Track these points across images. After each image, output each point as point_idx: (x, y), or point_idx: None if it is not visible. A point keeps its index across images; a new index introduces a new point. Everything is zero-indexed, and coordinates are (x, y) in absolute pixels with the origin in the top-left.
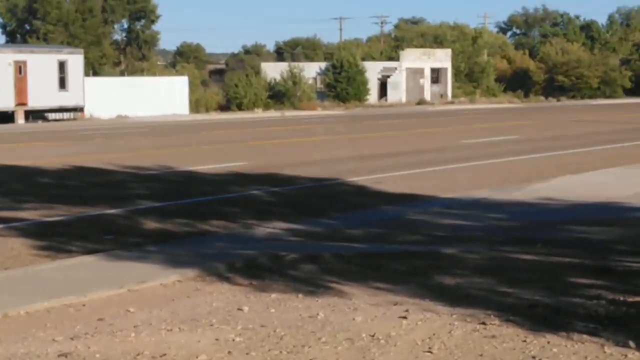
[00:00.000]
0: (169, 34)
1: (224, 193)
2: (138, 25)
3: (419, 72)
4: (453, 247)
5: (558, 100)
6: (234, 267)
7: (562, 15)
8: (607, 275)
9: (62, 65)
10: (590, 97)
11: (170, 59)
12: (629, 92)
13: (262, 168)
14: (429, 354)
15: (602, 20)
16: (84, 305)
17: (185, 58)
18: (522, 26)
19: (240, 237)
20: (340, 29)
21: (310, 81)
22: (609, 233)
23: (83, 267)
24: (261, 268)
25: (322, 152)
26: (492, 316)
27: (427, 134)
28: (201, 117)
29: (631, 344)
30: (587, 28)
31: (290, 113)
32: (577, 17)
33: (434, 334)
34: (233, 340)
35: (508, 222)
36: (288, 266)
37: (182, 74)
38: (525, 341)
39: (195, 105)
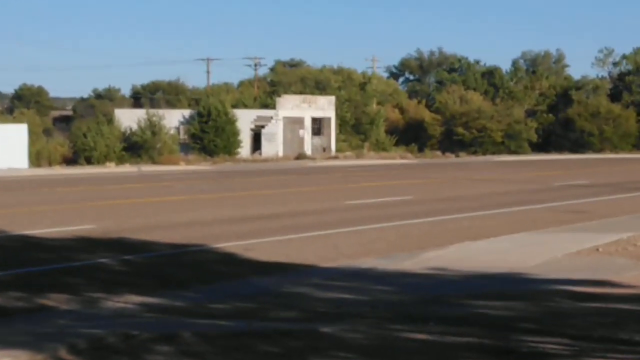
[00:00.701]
0: (5, 74)
1: (67, 261)
2: None
3: (298, 122)
4: (334, 325)
5: (457, 156)
6: (76, 349)
7: (460, 60)
8: (508, 358)
9: None
10: (494, 152)
11: (6, 103)
12: (536, 147)
13: (114, 232)
14: None
15: (505, 66)
16: None
17: (24, 102)
18: (416, 71)
19: (85, 314)
20: (208, 72)
21: (172, 131)
22: (511, 309)
23: None
24: (109, 350)
25: (184, 214)
26: None
27: (306, 193)
28: (43, 171)
29: None
30: (489, 75)
31: (148, 168)
32: (478, 62)
33: None
34: None
35: (398, 296)
36: (141, 348)
37: (20, 122)
38: None
39: (36, 158)
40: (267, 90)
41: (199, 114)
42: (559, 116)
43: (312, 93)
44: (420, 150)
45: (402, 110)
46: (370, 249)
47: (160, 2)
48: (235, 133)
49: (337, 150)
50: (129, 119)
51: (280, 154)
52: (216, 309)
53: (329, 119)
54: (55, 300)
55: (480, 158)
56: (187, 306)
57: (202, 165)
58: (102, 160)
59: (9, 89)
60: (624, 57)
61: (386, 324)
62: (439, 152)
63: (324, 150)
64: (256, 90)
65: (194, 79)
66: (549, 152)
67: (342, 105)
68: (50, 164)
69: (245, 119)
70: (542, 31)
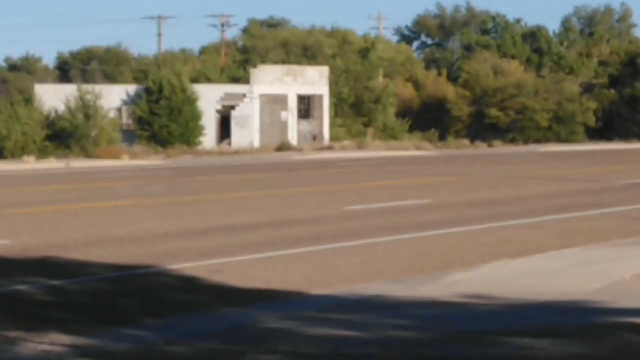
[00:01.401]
0: None
1: None
2: None
3: (280, 100)
4: None
5: (490, 146)
6: None
7: (494, 18)
8: None
9: None
10: (538, 141)
11: None
12: (595, 134)
13: (35, 249)
14: None
15: (553, 26)
16: None
17: None
18: (435, 33)
19: None
20: (159, 35)
21: (112, 114)
22: (562, 348)
23: None
24: None
25: (129, 225)
26: None
27: (292, 196)
28: None
29: None
30: (532, 37)
31: (80, 163)
32: (518, 21)
33: None
34: None
35: (414, 333)
36: None
37: None
38: None
39: None
40: (237, 58)
41: (148, 91)
42: (623, 92)
43: (299, 62)
44: (442, 137)
45: (417, 85)
46: (377, 270)
47: None
48: (196, 116)
49: (332, 138)
50: (53, 97)
51: (257, 143)
52: (173, 352)
53: (321, 96)
54: None
55: (521, 148)
56: (134, 348)
57: (151, 160)
58: (18, 153)
59: None
60: None
61: None
62: (466, 141)
63: (314, 138)
64: (223, 58)
65: (141, 45)
66: (611, 140)
67: (338, 78)
68: None
69: (209, 98)
70: None
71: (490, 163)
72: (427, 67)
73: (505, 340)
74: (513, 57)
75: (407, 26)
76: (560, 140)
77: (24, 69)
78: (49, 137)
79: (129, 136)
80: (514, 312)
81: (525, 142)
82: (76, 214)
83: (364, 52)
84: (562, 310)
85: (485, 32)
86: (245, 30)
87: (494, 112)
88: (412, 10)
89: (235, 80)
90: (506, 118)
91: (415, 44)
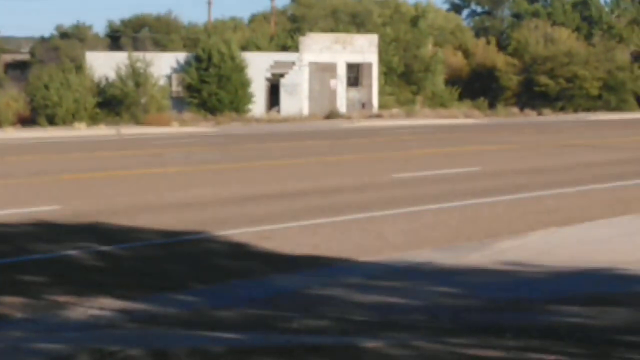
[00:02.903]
0: None
1: (24, 254)
2: None
3: (329, 68)
4: (378, 339)
5: (539, 114)
6: None
7: None
8: None
9: None
10: (588, 109)
11: None
12: None
13: (86, 215)
14: None
15: None
16: None
17: None
18: (484, 1)
19: (47, 323)
20: (209, 3)
21: (162, 81)
22: (612, 316)
23: None
24: None
25: (178, 192)
26: None
27: (340, 163)
28: None
29: None
30: (583, 5)
31: (130, 130)
32: None
33: None
34: None
35: (462, 300)
36: None
37: None
38: None
39: None
40: (287, 27)
41: (197, 59)
42: None
43: (348, 31)
44: (491, 106)
45: (466, 54)
46: (425, 238)
47: None
48: (245, 84)
49: (381, 106)
50: (104, 65)
51: (306, 111)
52: (222, 318)
53: (370, 65)
54: (8, 305)
55: (570, 117)
56: (183, 314)
57: (201, 127)
58: (69, 119)
59: None
60: None
61: (448, 337)
62: (515, 109)
63: (364, 106)
64: (273, 27)
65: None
66: None
67: (387, 46)
68: (0, 124)
69: (258, 66)
70: None
71: (539, 131)
72: (477, 35)
73: (554, 309)
74: (563, 25)
75: None
76: (610, 108)
77: (75, 37)
78: (99, 105)
79: (179, 104)
80: (563, 281)
81: (575, 110)
82: (126, 181)
83: (414, 21)
84: (610, 279)
85: (534, 0)
86: None
87: (543, 80)
88: None
89: (284, 48)
90: (556, 86)
91: (465, 12)
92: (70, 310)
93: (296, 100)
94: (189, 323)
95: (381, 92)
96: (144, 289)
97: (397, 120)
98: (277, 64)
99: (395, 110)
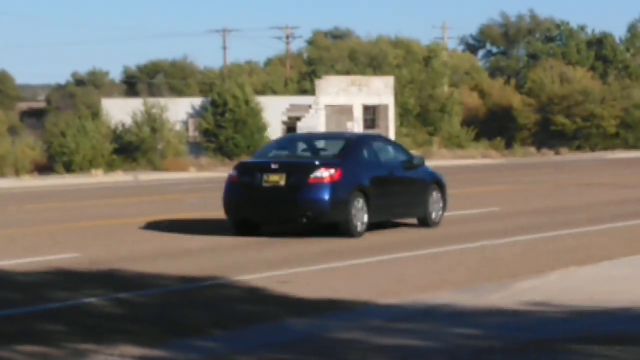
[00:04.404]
0: None
1: (43, 302)
2: None
3: (346, 111)
4: None
5: (556, 153)
6: None
7: (559, 26)
8: None
9: None
10: (605, 148)
11: None
12: None
13: (104, 262)
14: None
15: (619, 32)
16: None
17: None
18: (500, 42)
19: None
20: (224, 47)
21: (179, 127)
22: (633, 356)
23: None
24: None
25: (196, 238)
26: None
27: None
28: (7, 183)
29: None
30: (598, 45)
31: (148, 176)
32: (582, 28)
33: None
34: None
35: (484, 342)
36: None
37: None
38: None
39: None
40: (303, 70)
41: (213, 104)
42: None
43: (364, 73)
44: (508, 146)
45: (482, 94)
46: (445, 279)
47: None
48: (262, 128)
49: None
50: (120, 111)
51: None
52: None
53: (386, 106)
54: (28, 355)
55: (588, 155)
56: (203, 359)
57: (218, 172)
58: (86, 166)
59: None
60: None
61: None
62: (532, 149)
63: None
64: (289, 70)
65: (206, 58)
66: None
67: (403, 88)
68: (17, 172)
69: (274, 109)
70: None
71: (557, 170)
72: (492, 75)
73: (574, 348)
74: (578, 65)
75: (471, 35)
76: (628, 146)
77: (91, 84)
78: (116, 151)
79: (196, 148)
80: (583, 320)
81: (592, 149)
82: (144, 227)
83: (427, 60)
84: (630, 318)
85: (549, 39)
86: (310, 42)
87: (560, 119)
88: (477, 19)
89: (301, 91)
90: (572, 125)
91: (480, 52)
92: (90, 358)
93: None
94: None
95: (398, 134)
96: (163, 335)
97: None
98: (293, 107)
99: (412, 152)
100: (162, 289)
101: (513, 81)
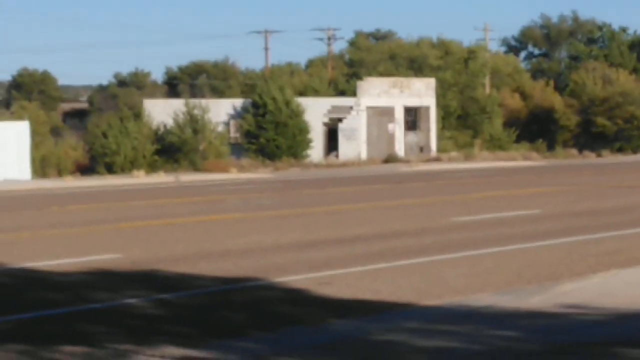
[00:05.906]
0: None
1: (84, 303)
2: None
3: (387, 113)
4: None
5: (598, 155)
6: None
7: (600, 28)
8: None
9: None
10: None
11: (1, 94)
12: None
13: (145, 263)
14: None
15: None
16: None
17: (25, 93)
18: (541, 43)
19: None
20: (266, 49)
21: (221, 128)
22: None
23: None
24: None
25: (238, 238)
26: None
27: (400, 207)
28: (50, 183)
29: None
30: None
31: (189, 177)
32: (624, 29)
33: None
34: None
35: (525, 344)
36: None
37: (20, 118)
38: None
39: (41, 166)
40: (344, 71)
41: (255, 105)
42: None
43: (405, 75)
44: (550, 147)
45: (524, 96)
46: (486, 281)
47: None
48: (303, 129)
49: (440, 150)
50: (162, 112)
51: (364, 155)
52: None
53: (428, 108)
54: (69, 354)
55: (629, 157)
56: None
57: (260, 173)
58: (127, 167)
59: (5, 75)
60: None
61: None
62: (574, 151)
63: (422, 150)
64: (330, 71)
65: (248, 59)
66: None
67: (445, 90)
68: (59, 173)
69: (316, 111)
70: None
71: (599, 173)
72: (534, 77)
73: (615, 351)
74: (621, 66)
75: (513, 37)
76: None
77: (133, 85)
78: (157, 152)
79: (237, 150)
80: (624, 323)
81: (634, 151)
82: (185, 228)
83: (466, 61)
84: None
85: (591, 41)
86: (352, 43)
87: (601, 121)
88: (518, 21)
89: (342, 93)
90: (614, 127)
91: (522, 54)
92: (131, 359)
93: (354, 145)
94: None
95: (439, 136)
96: (204, 336)
97: (455, 164)
98: (334, 108)
99: (453, 154)
100: (203, 290)
101: (553, 83)
